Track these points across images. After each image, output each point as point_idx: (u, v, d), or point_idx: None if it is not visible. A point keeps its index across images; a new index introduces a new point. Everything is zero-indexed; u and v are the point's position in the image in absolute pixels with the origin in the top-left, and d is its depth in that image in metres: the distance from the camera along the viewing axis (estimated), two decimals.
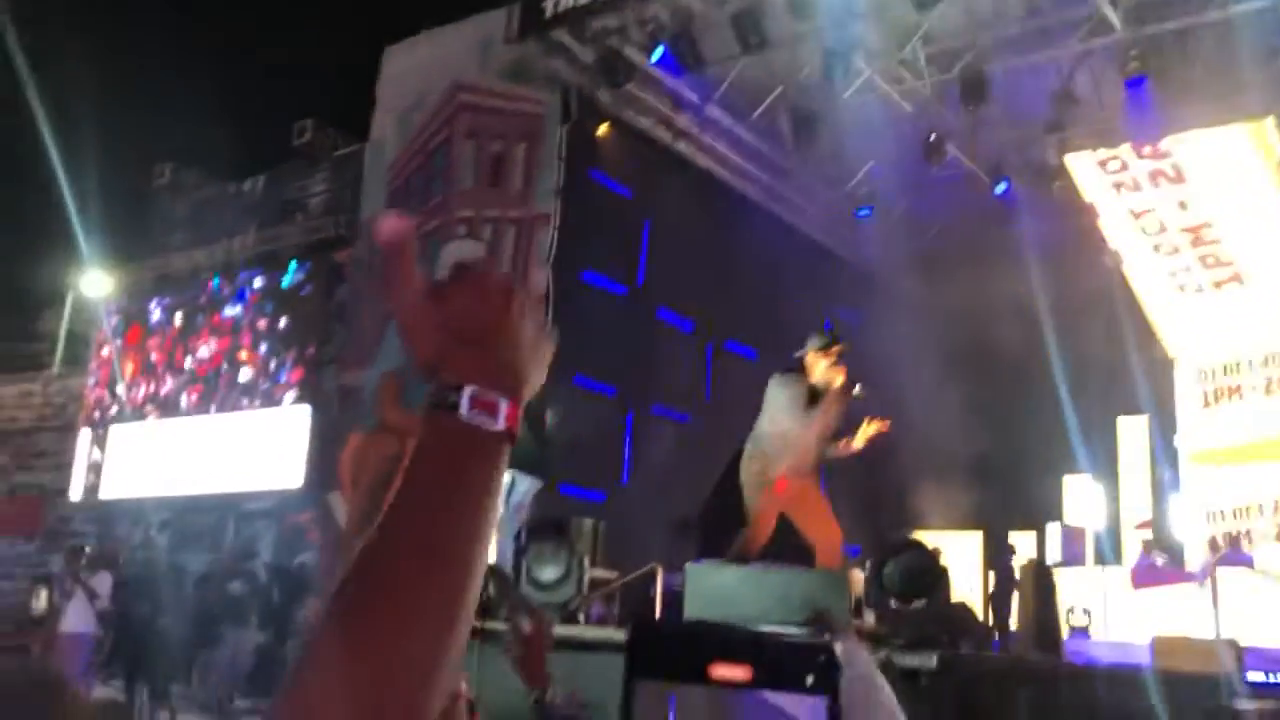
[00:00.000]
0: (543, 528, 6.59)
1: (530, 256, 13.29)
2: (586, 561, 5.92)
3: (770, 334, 16.05)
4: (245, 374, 18.00)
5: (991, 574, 14.23)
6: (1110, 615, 12.99)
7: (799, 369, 6.64)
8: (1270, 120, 12.07)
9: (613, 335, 13.63)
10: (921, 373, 17.04)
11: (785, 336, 16.44)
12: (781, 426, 6.44)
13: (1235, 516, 15.18)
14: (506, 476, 6.33)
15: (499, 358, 1.11)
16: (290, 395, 16.88)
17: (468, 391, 1.06)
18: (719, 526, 14.05)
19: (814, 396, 6.45)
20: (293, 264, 17.51)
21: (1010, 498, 16.14)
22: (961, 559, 15.49)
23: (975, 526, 16.13)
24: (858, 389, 6.57)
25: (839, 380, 6.36)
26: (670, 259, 14.51)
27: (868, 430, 6.57)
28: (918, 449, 17.69)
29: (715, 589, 5.03)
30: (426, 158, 14.97)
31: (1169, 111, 12.39)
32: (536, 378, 1.15)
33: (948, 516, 16.18)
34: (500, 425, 1.06)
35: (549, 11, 12.55)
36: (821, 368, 6.36)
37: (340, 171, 17.42)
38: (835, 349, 6.41)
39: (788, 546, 7.22)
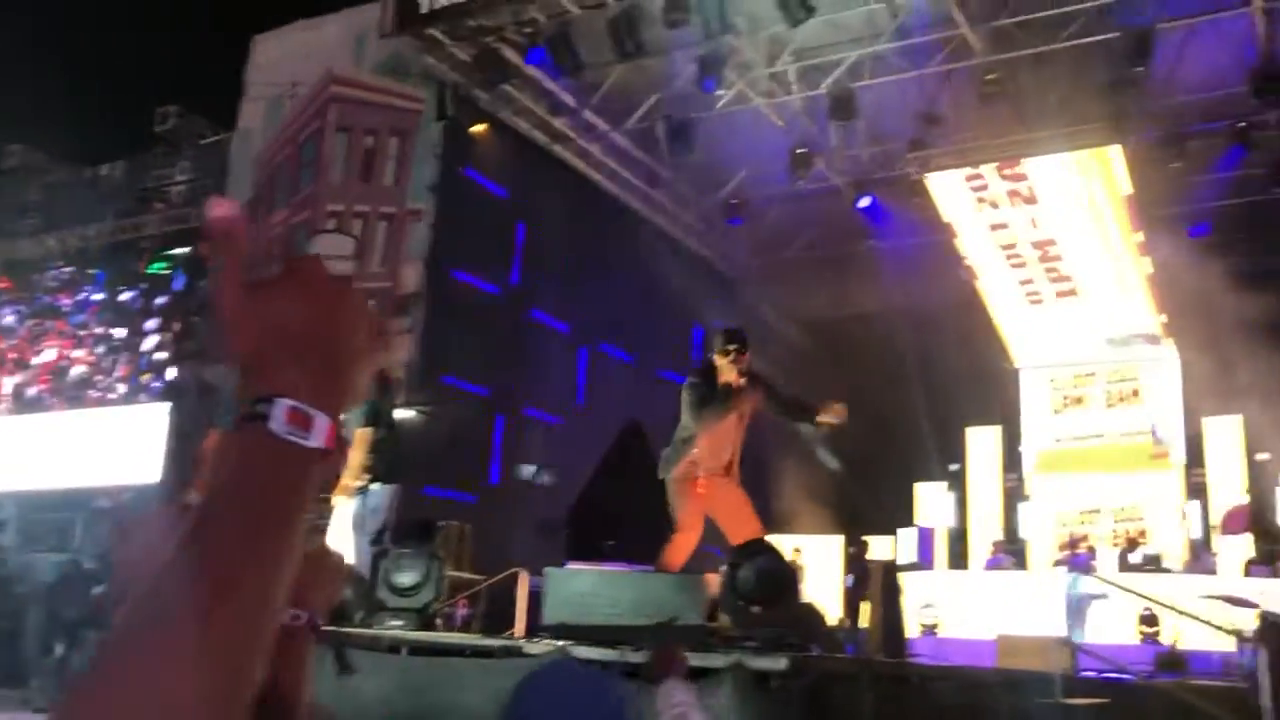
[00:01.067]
0: (403, 531, 6.55)
1: (401, 253, 13.02)
2: (446, 566, 5.89)
3: (644, 337, 16.28)
4: (100, 367, 17.31)
5: (851, 576, 14.68)
6: (960, 615, 13.53)
7: (706, 370, 6.75)
8: (1116, 148, 12.75)
9: (485, 336, 13.59)
10: (787, 380, 17.41)
11: (659, 340, 16.83)
12: (687, 430, 6.58)
13: (1079, 521, 15.98)
14: (364, 478, 6.26)
15: (322, 366, 0.98)
16: (148, 390, 16.28)
17: (283, 404, 0.93)
18: (589, 528, 14.16)
19: (728, 395, 6.58)
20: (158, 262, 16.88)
21: (870, 502, 16.65)
22: (825, 562, 15.95)
23: (837, 530, 16.56)
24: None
25: (738, 378, 6.49)
26: (545, 261, 14.53)
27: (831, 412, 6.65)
28: (783, 455, 18.12)
29: (574, 593, 5.08)
30: (296, 148, 14.22)
31: (1024, 133, 12.98)
32: (361, 389, 1.04)
33: (812, 520, 16.62)
34: (316, 443, 0.93)
35: (425, 7, 12.44)
36: (724, 367, 6.49)
37: (204, 160, 16.90)
38: (730, 348, 6.53)
39: None
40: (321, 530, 13.44)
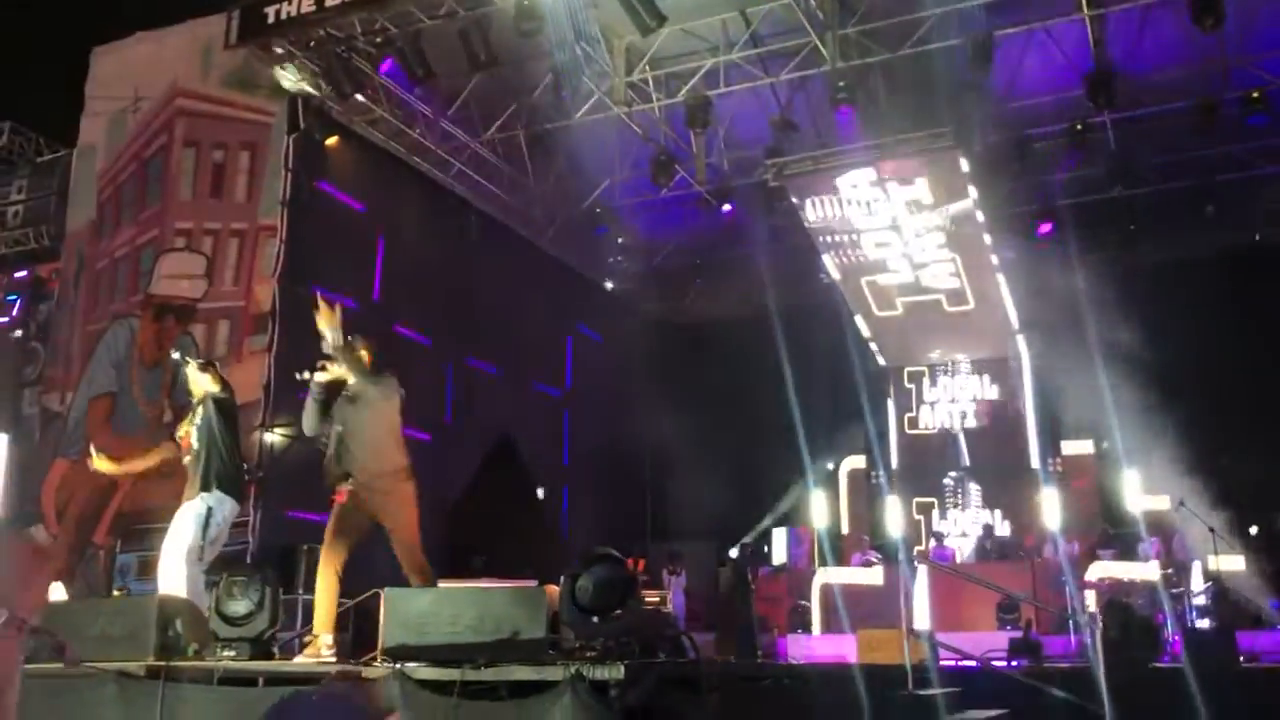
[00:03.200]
0: (233, 560, 6.32)
1: (254, 270, 12.73)
2: (279, 592, 5.68)
3: (514, 350, 16.13)
4: None
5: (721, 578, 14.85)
6: (827, 612, 13.82)
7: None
8: (959, 152, 13.20)
9: None
10: (659, 388, 17.55)
11: (530, 352, 16.72)
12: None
13: (939, 513, 16.52)
14: (202, 504, 6.00)
15: None
16: None
17: None
18: (460, 545, 13.95)
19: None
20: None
21: (744, 504, 16.87)
22: (702, 565, 16.10)
23: (711, 534, 16.74)
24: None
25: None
26: (407, 274, 14.25)
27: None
28: (657, 462, 18.22)
29: (413, 613, 4.97)
30: (142, 165, 14.07)
31: (875, 139, 13.31)
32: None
33: (688, 525, 16.75)
34: None
35: (271, 17, 12.07)
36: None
37: (42, 179, 16.04)
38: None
39: None
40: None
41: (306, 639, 6.39)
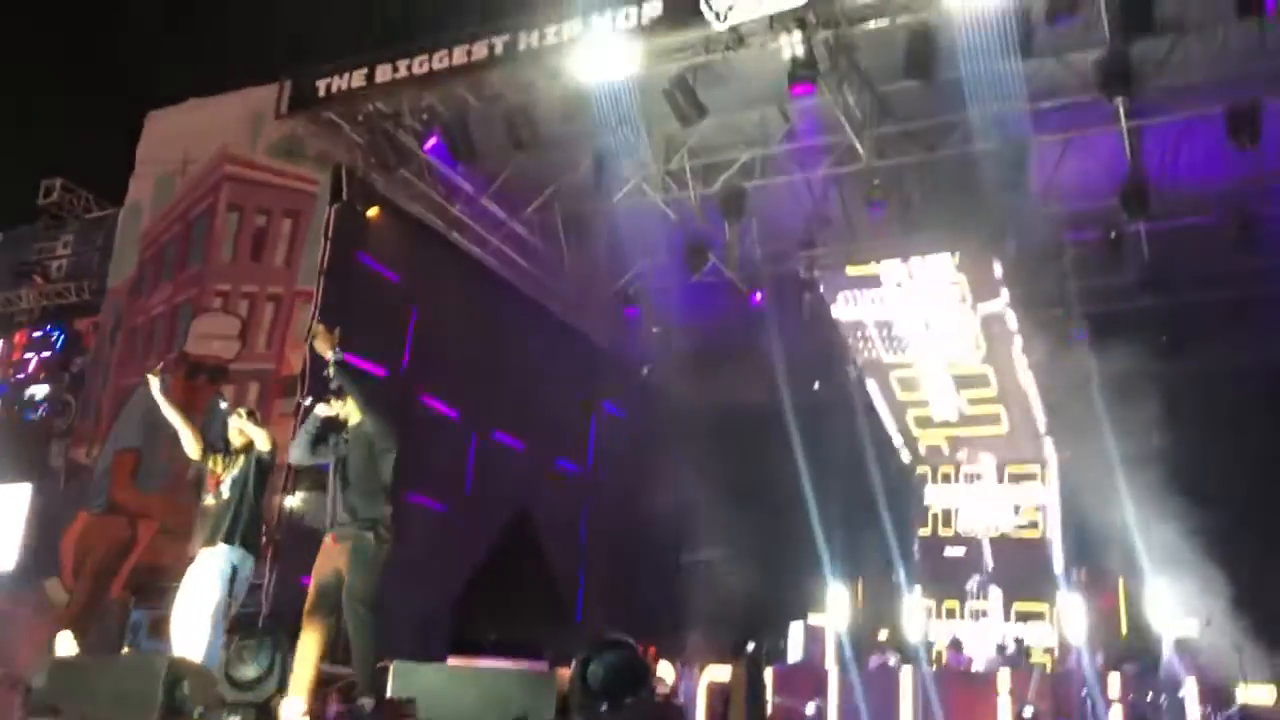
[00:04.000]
0: (246, 622, 6.27)
1: (288, 334, 12.89)
2: (290, 658, 5.63)
3: (539, 426, 16.16)
4: None
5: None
6: (845, 713, 13.49)
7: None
8: (992, 254, 13.26)
9: None
10: (681, 472, 17.46)
11: (555, 429, 16.72)
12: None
13: (965, 621, 16.18)
14: (225, 559, 5.97)
15: None
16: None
17: None
18: (472, 621, 13.82)
19: None
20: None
21: (761, 597, 16.63)
22: (716, 657, 15.79)
23: (727, 626, 16.44)
24: None
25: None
26: (437, 346, 14.37)
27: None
28: (676, 548, 18.06)
29: (420, 689, 4.90)
30: (186, 226, 14.38)
31: (909, 237, 13.42)
32: None
33: (704, 614, 16.50)
34: None
35: (322, 91, 12.40)
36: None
37: (88, 235, 16.43)
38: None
39: None
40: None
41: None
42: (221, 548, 6.41)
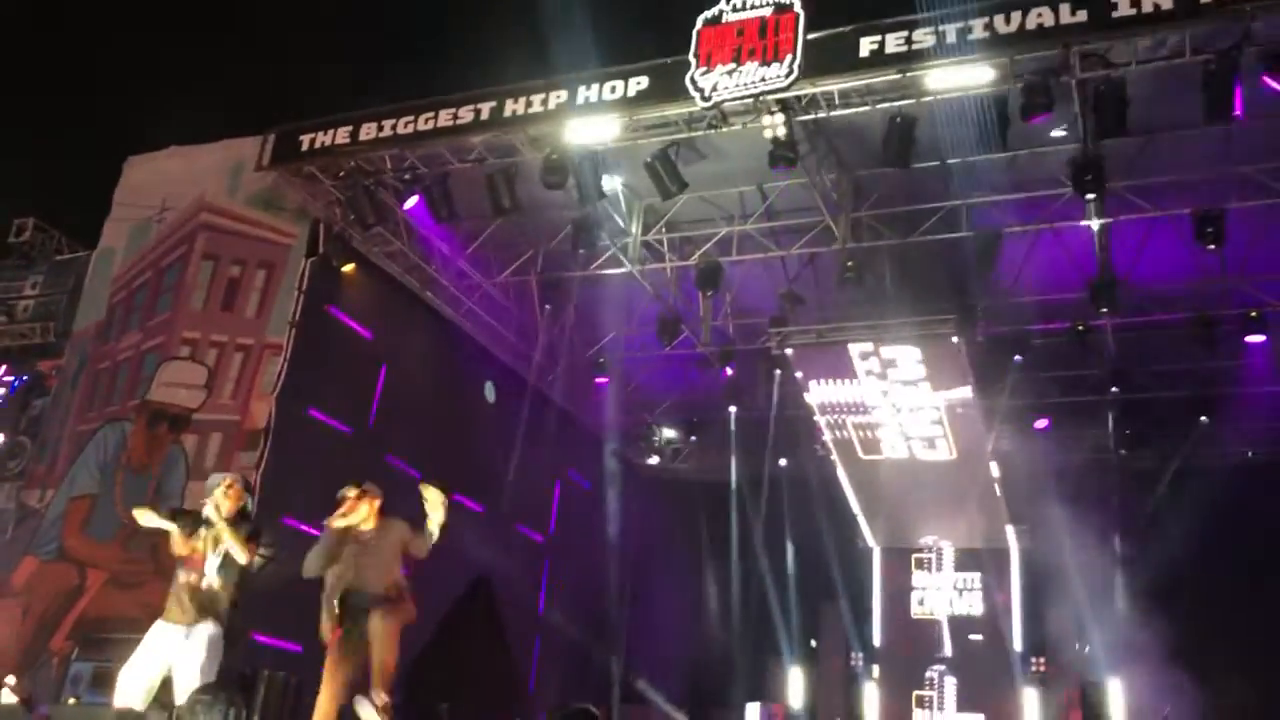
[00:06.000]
0: (205, 684, 6.14)
1: (254, 385, 12.76)
2: (244, 715, 5.50)
3: (502, 490, 16.00)
4: None
5: None
6: None
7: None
8: (960, 340, 13.40)
9: (334, 477, 13.06)
10: (641, 544, 17.34)
11: (519, 494, 16.56)
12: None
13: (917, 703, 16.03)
14: (219, 636, 5.91)
15: None
16: None
17: None
18: (425, 689, 13.52)
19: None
20: None
21: (718, 674, 16.46)
22: None
23: (683, 702, 16.28)
24: None
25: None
26: (405, 405, 14.27)
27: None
28: (631, 621, 17.86)
29: None
30: (158, 273, 14.27)
31: (878, 319, 13.55)
32: None
33: (659, 688, 16.30)
34: None
35: (305, 145, 12.45)
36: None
37: (58, 276, 16.28)
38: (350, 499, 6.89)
39: None
40: None
41: None
42: (215, 626, 6.46)
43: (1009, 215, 12.23)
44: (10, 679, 10.46)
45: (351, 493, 6.88)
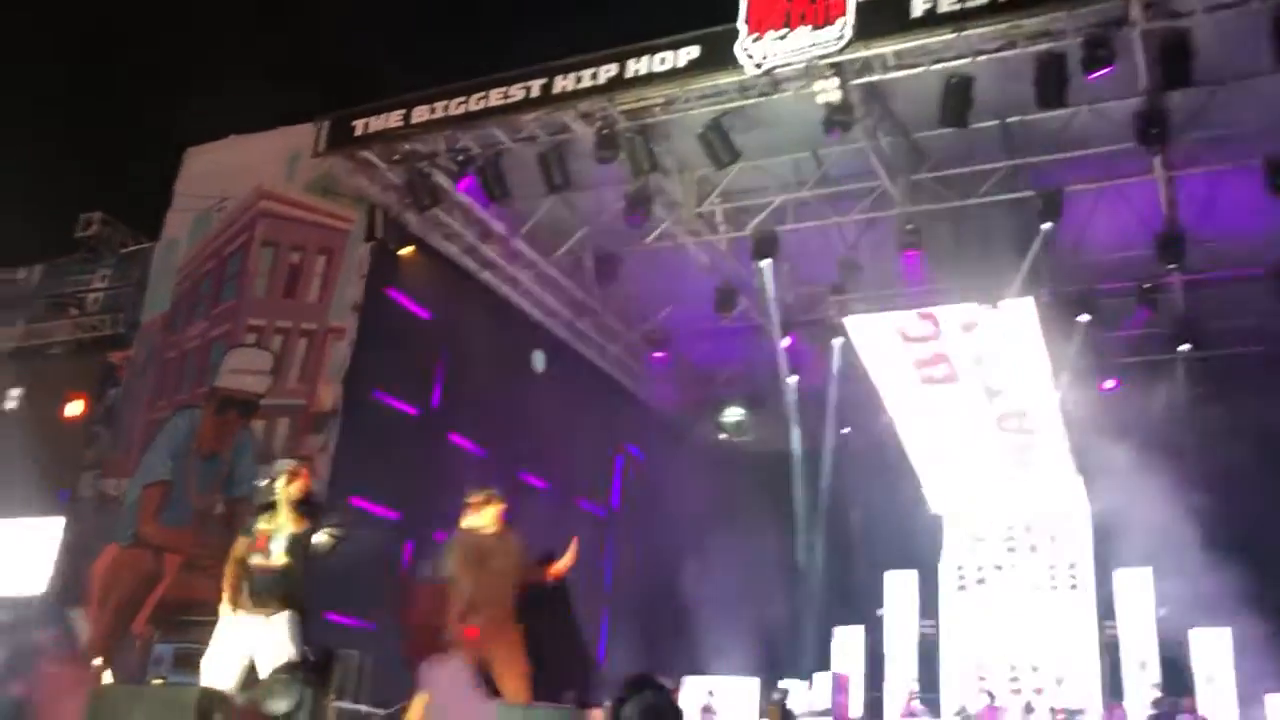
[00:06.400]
0: (281, 664, 6.21)
1: (320, 370, 12.94)
2: (328, 694, 5.62)
3: (565, 467, 16.11)
4: None
5: None
6: None
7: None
8: (1028, 300, 13.17)
9: (400, 458, 13.31)
10: (703, 516, 17.29)
11: (580, 470, 16.66)
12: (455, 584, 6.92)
13: (992, 671, 15.87)
14: (296, 629, 6.06)
15: None
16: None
17: None
18: None
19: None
20: None
21: (786, 645, 16.44)
22: (738, 705, 15.60)
23: (752, 673, 16.26)
24: None
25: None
26: (467, 385, 14.40)
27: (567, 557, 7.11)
28: (696, 593, 17.89)
29: None
30: (220, 261, 14.51)
31: (941, 283, 13.37)
32: None
33: (726, 662, 16.32)
34: None
35: (359, 130, 12.56)
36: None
37: (125, 269, 16.63)
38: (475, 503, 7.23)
39: None
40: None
41: None
42: (292, 613, 6.46)
43: (1069, 174, 11.98)
44: (97, 661, 10.78)
45: (478, 497, 7.18)
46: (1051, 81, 9.92)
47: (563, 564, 7.17)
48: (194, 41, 23.83)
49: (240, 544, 6.59)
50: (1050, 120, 11.21)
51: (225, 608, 6.48)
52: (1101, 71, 9.59)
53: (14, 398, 16.45)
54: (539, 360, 15.72)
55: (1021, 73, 10.17)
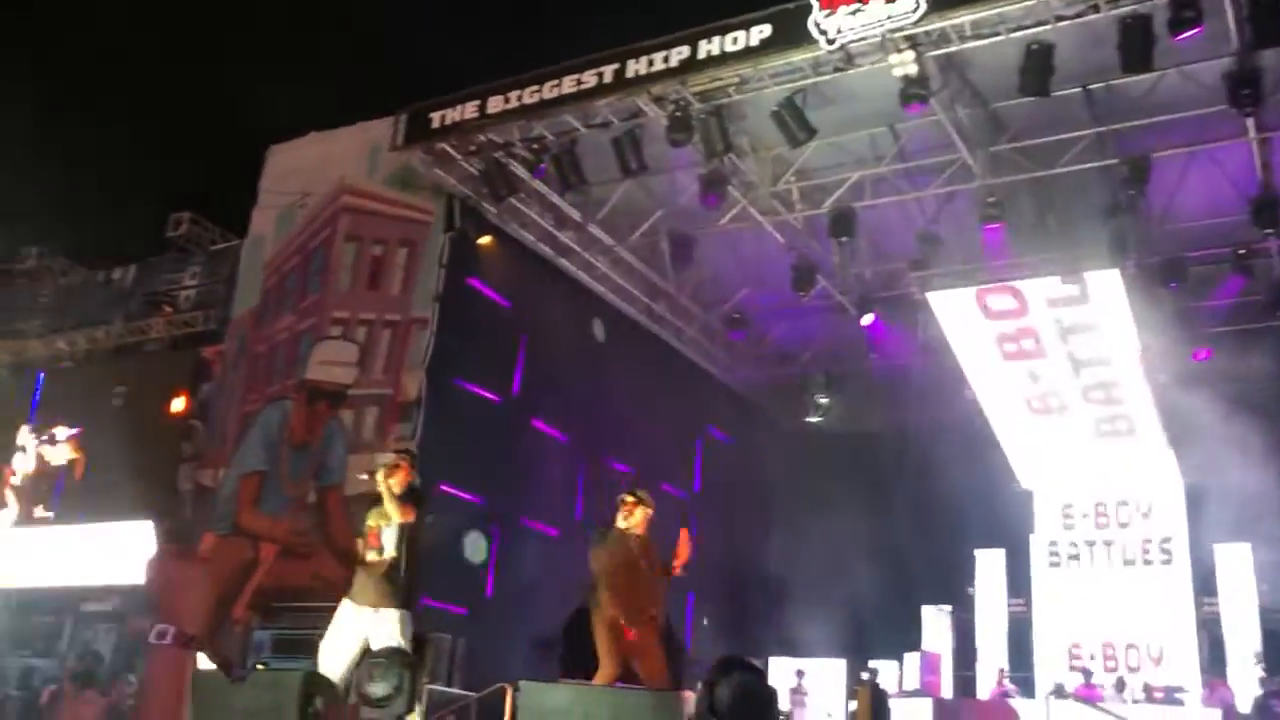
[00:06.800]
0: (379, 649, 6.37)
1: (404, 360, 13.19)
2: (424, 678, 5.74)
3: (646, 450, 16.18)
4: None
5: (853, 702, 14.28)
6: None
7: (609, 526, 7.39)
8: (1116, 272, 12.85)
9: (484, 445, 13.51)
10: (786, 497, 17.27)
11: (661, 453, 16.72)
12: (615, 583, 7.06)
13: (1088, 654, 15.56)
14: (409, 625, 6.24)
15: None
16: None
17: None
18: (584, 644, 13.84)
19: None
20: None
21: (874, 625, 16.32)
22: (827, 686, 15.57)
23: (839, 654, 16.19)
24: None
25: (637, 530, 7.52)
26: (547, 371, 14.54)
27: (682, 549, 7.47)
28: (782, 574, 17.86)
29: (548, 709, 4.92)
30: (305, 256, 14.83)
31: (1024, 255, 13.11)
32: None
33: (814, 642, 16.27)
34: None
35: (436, 123, 12.71)
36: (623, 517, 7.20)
37: (214, 266, 17.09)
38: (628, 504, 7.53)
39: None
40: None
41: None
42: (402, 609, 6.63)
43: (1156, 139, 11.65)
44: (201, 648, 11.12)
45: (630, 498, 7.56)
46: (1136, 45, 9.64)
47: (681, 559, 7.26)
48: (267, 41, 24.30)
49: (358, 545, 6.82)
50: (1135, 85, 10.90)
51: (346, 600, 6.75)
52: (1189, 32, 9.30)
53: (119, 394, 17.01)
54: (599, 329, 15.84)
55: (1104, 37, 9.90)
